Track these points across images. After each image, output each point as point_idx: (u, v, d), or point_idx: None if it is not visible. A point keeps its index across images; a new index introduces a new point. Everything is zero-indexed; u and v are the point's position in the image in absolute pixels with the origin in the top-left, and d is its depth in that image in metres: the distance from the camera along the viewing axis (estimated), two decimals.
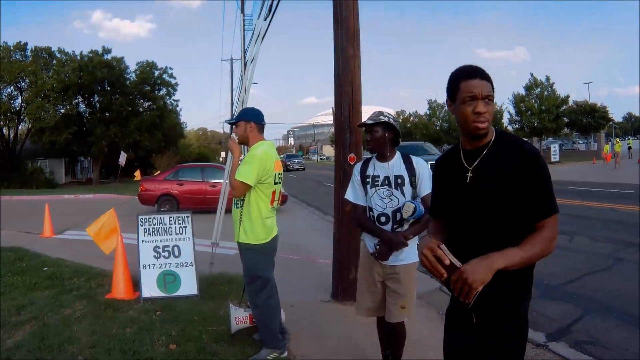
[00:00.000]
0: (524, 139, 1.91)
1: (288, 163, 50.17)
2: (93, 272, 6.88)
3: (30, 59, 32.21)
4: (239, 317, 4.22)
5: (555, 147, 39.00)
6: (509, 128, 46.64)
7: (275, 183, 3.73)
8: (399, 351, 3.40)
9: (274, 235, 3.80)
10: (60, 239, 10.73)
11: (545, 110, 40.80)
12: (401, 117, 60.52)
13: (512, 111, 43.80)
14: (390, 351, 3.42)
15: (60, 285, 6.22)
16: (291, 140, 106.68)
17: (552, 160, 36.28)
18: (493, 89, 1.90)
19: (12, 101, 32.76)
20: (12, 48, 32.05)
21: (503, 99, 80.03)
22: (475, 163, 1.93)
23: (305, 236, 10.21)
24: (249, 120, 3.75)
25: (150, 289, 5.49)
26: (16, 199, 22.67)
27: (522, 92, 43.21)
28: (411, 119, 61.16)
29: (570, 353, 4.11)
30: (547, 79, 42.38)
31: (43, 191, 26.93)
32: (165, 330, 4.43)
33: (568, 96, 42.69)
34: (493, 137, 1.95)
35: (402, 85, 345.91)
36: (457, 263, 1.74)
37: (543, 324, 4.75)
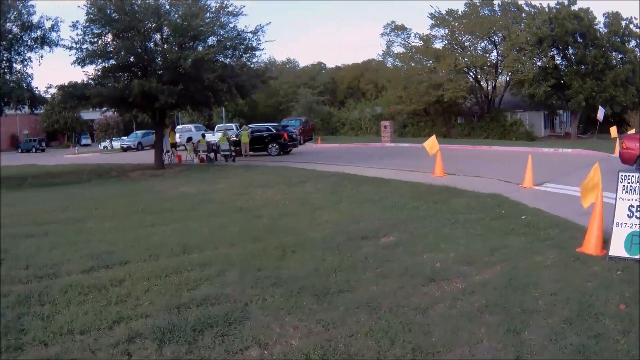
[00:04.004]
0: None
1: None
2: (567, 224, 7.22)
3: (499, 13, 33.68)
4: None
5: None
6: None
7: None
8: None
9: None
10: (539, 190, 10.88)
11: None
12: None
13: None
14: None
15: (535, 234, 6.78)
16: None
17: None
18: None
19: (487, 55, 35.23)
20: (479, 4, 34.21)
21: None
22: None
23: None
24: None
25: (617, 247, 5.66)
26: (495, 149, 24.25)
27: None
28: None
29: None
30: None
31: (522, 143, 27.53)
32: (620, 289, 4.70)
33: None
34: None
35: None
36: None
37: None
